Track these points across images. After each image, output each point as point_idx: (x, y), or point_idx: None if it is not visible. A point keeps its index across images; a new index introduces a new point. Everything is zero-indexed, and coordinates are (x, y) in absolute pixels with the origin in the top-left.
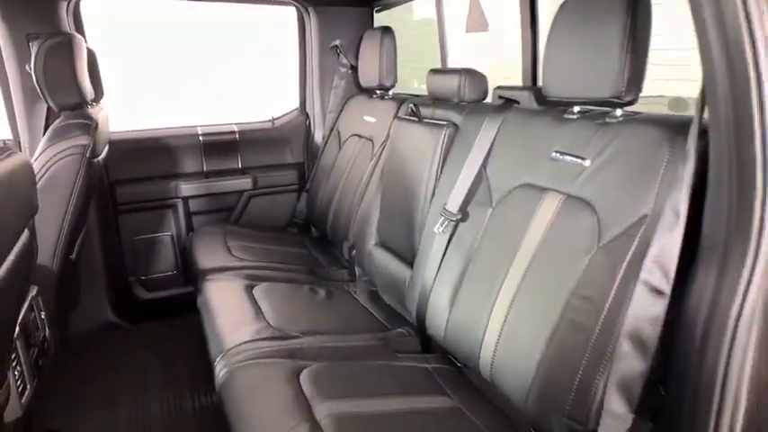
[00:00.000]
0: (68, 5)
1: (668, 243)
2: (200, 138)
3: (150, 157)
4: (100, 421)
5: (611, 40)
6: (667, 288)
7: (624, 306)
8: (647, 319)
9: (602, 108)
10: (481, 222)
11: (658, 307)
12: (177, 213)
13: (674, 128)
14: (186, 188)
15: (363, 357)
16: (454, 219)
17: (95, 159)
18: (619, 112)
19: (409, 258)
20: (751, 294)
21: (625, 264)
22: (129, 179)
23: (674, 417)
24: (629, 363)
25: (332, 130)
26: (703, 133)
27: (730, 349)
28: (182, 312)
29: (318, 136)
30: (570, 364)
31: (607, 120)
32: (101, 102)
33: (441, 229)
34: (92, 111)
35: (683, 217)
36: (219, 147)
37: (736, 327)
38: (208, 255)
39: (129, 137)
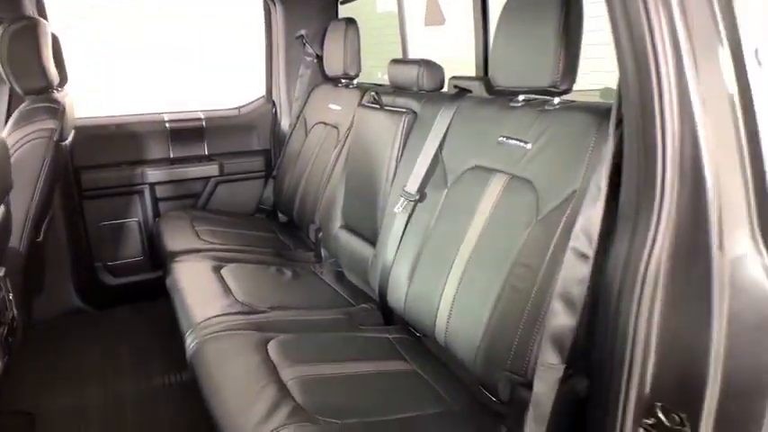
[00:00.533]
0: None
1: (592, 214)
2: (167, 125)
3: (117, 143)
4: (70, 402)
5: (547, 36)
6: (591, 252)
7: (556, 271)
8: (575, 281)
9: (543, 97)
10: (437, 202)
11: (584, 270)
12: (144, 199)
13: (601, 115)
14: (153, 174)
15: (328, 329)
16: (413, 199)
17: (62, 143)
18: (557, 100)
19: (372, 239)
20: (655, 252)
21: (558, 233)
22: (95, 165)
23: (598, 371)
24: (560, 319)
25: (298, 117)
26: (621, 120)
27: (639, 303)
28: (149, 298)
29: (285, 123)
30: (511, 325)
31: (546, 107)
32: (65, 87)
33: (401, 210)
34: (58, 95)
35: (603, 191)
36: (186, 133)
37: (643, 281)
38: (176, 238)
39: (95, 123)
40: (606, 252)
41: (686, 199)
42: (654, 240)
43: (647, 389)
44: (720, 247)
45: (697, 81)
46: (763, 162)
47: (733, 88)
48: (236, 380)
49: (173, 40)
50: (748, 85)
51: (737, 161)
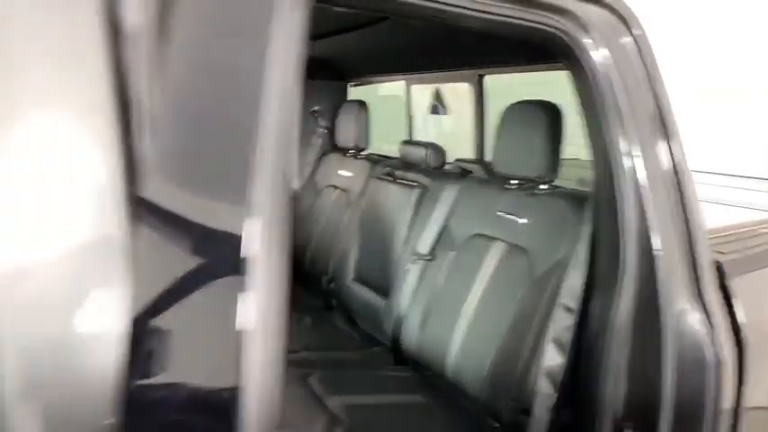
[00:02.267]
0: None
1: (575, 277)
2: None
3: None
4: None
5: (535, 140)
6: (575, 306)
7: (548, 320)
8: (563, 328)
9: (532, 182)
10: (445, 263)
11: (570, 320)
12: None
13: (579, 201)
14: None
15: (352, 367)
16: (424, 259)
17: None
18: (543, 186)
19: (383, 290)
20: (621, 308)
21: (548, 292)
22: None
23: (582, 400)
24: (553, 358)
25: (309, 179)
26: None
27: (610, 346)
28: None
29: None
30: (513, 363)
31: (535, 191)
32: None
33: (414, 267)
34: None
35: (582, 260)
36: None
37: (612, 330)
38: None
39: None
40: (586, 306)
41: (642, 269)
42: (619, 300)
43: (620, 413)
44: (668, 305)
45: (642, 166)
46: (692, 236)
47: (669, 169)
48: (287, 411)
49: None
50: (677, 170)
51: (676, 236)
